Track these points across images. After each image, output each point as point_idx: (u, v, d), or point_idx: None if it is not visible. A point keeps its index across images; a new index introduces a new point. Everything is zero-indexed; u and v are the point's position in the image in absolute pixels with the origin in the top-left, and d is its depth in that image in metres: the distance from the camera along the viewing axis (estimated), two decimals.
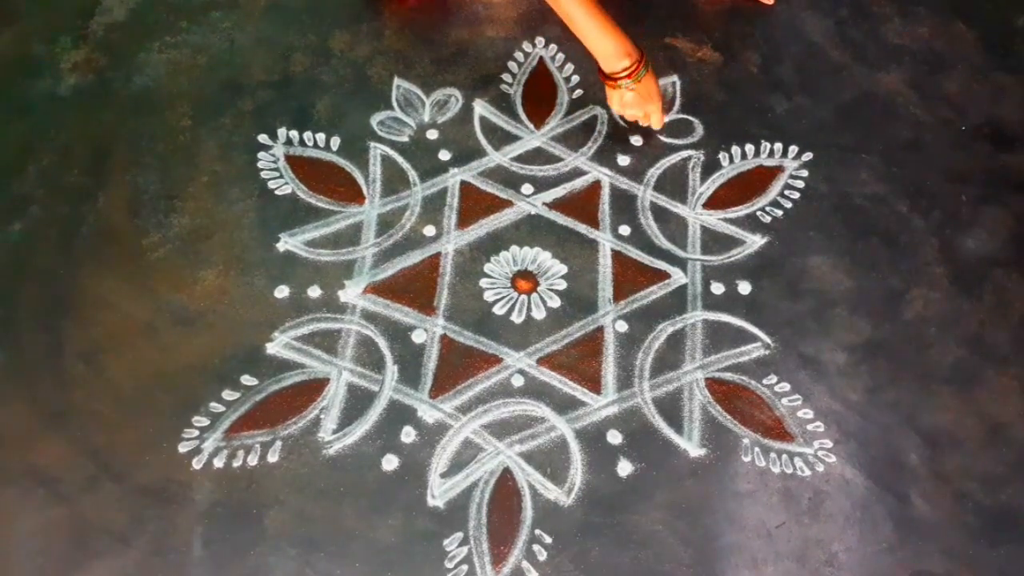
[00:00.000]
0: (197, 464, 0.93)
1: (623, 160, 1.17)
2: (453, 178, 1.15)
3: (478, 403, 0.98)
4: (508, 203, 1.13)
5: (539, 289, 1.07)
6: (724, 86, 1.25)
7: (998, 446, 0.98)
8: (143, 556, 0.88)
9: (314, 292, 1.04)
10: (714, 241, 1.11)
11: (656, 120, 1.14)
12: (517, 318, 1.04)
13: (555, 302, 1.06)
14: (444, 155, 1.16)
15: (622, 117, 1.17)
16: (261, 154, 1.15)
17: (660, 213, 1.13)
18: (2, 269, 1.05)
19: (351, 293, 1.05)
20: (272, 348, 1.00)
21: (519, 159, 1.17)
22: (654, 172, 1.16)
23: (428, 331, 1.03)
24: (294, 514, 0.91)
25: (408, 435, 0.96)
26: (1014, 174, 1.18)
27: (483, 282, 1.07)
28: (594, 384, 1.00)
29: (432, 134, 1.18)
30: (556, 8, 1.06)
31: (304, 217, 1.10)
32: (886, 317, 1.06)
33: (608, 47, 1.04)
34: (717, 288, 1.07)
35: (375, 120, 1.19)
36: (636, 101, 1.10)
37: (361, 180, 1.14)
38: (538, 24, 1.28)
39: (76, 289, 1.04)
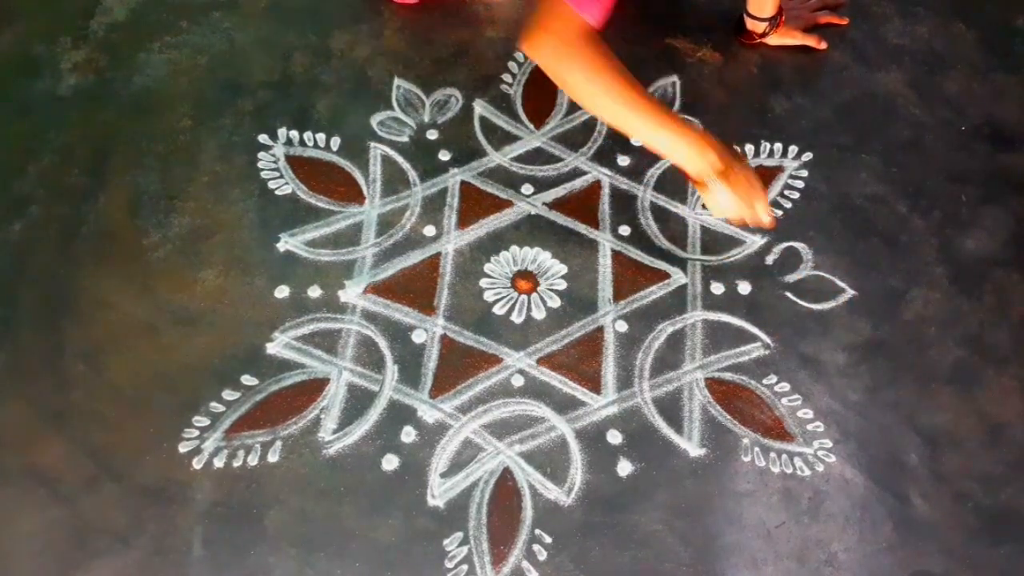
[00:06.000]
0: (197, 464, 0.93)
1: (623, 160, 1.17)
2: (453, 178, 1.15)
3: (478, 403, 0.98)
4: (508, 203, 1.13)
5: (539, 289, 1.07)
6: (724, 86, 1.25)
7: (998, 446, 0.98)
8: (143, 556, 0.88)
9: (314, 292, 1.04)
10: (714, 241, 1.11)
11: (762, 212, 0.95)
12: (517, 318, 1.04)
13: (555, 302, 1.06)
14: (444, 155, 1.16)
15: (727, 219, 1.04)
16: (261, 154, 1.15)
17: (660, 213, 1.13)
18: (2, 269, 1.05)
19: (351, 293, 1.05)
20: (272, 348, 1.00)
21: (519, 159, 1.17)
22: (654, 172, 1.16)
23: (428, 331, 1.03)
24: (294, 514, 0.91)
25: (408, 435, 0.96)
26: (1014, 174, 1.18)
27: (483, 282, 1.07)
28: (594, 384, 1.00)
29: (432, 134, 1.18)
30: (616, 124, 0.95)
31: (304, 217, 1.10)
32: (886, 317, 1.06)
33: (685, 152, 0.91)
34: (717, 288, 1.07)
35: (375, 120, 1.19)
36: (734, 199, 0.94)
37: (361, 180, 1.14)
38: None
39: (76, 289, 1.04)
